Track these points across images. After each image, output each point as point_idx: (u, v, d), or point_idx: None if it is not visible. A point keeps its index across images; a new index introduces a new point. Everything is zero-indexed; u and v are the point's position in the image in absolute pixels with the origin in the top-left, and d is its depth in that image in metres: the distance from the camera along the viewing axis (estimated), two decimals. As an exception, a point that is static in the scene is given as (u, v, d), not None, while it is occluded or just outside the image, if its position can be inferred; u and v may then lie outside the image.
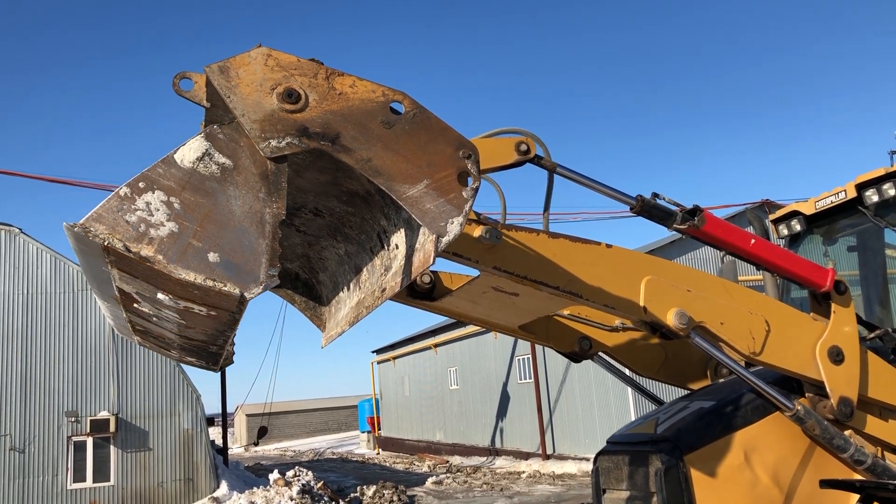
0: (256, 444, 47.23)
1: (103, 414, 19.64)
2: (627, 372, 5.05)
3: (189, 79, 2.57)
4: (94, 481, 19.43)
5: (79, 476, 19.37)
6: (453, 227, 2.53)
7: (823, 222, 5.42)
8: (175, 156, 2.34)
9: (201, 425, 20.49)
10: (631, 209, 3.76)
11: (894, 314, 5.28)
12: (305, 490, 17.32)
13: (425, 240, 2.58)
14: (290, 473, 18.61)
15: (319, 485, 17.97)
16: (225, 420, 23.10)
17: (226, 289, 2.34)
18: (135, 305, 2.54)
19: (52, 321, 19.89)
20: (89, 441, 19.57)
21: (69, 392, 19.66)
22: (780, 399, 3.68)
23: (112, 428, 19.48)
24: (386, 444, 39.52)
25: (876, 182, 4.84)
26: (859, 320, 4.30)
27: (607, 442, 4.58)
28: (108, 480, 19.47)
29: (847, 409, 3.80)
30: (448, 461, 28.62)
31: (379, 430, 40.89)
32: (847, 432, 3.79)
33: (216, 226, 2.38)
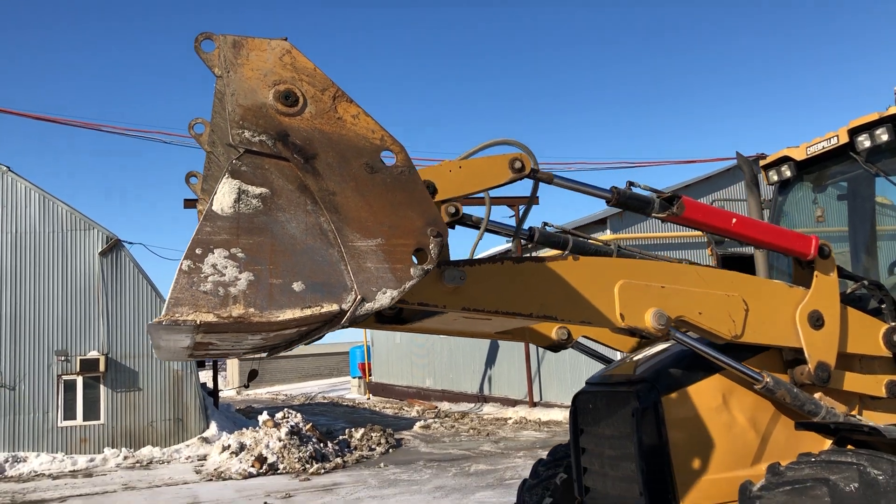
0: (247, 387, 47.74)
1: (93, 354, 19.73)
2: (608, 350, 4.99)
3: (213, 41, 2.45)
4: (85, 419, 19.61)
5: (69, 414, 19.55)
6: (382, 299, 2.41)
7: (814, 169, 5.35)
8: (213, 208, 2.29)
9: (191, 367, 20.62)
10: (607, 202, 3.70)
11: (880, 264, 5.25)
12: (294, 431, 17.49)
13: (347, 296, 2.41)
14: (279, 415, 18.77)
15: (308, 426, 18.15)
16: (215, 363, 23.24)
17: (324, 310, 2.32)
18: (210, 346, 2.47)
19: (42, 261, 19.82)
20: (79, 380, 19.69)
21: (59, 331, 19.71)
22: (749, 373, 3.68)
23: (102, 367, 19.59)
24: (376, 389, 39.92)
25: (869, 127, 4.75)
26: (843, 274, 4.26)
27: (586, 383, 4.57)
28: (99, 419, 19.65)
29: (824, 374, 3.79)
30: (437, 407, 28.96)
31: (370, 376, 41.28)
32: (817, 395, 3.79)
33: (286, 256, 2.34)
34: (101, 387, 19.83)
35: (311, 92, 2.37)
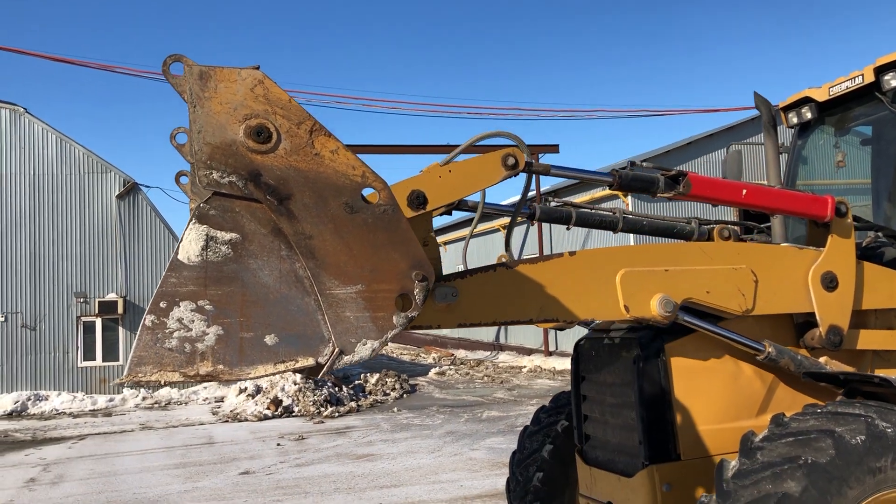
0: None
1: (111, 296, 19.92)
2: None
3: (182, 63, 2.26)
4: (104, 360, 19.92)
5: (89, 355, 19.85)
6: (362, 351, 2.27)
7: (837, 110, 5.09)
8: (179, 257, 2.16)
9: (208, 310, 20.72)
10: (609, 187, 3.51)
11: (904, 212, 5.02)
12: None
13: (324, 349, 2.29)
14: (294, 360, 18.94)
15: (323, 371, 18.31)
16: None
17: (298, 365, 2.22)
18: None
19: (59, 203, 19.90)
20: (98, 322, 19.94)
21: (77, 273, 19.89)
22: (750, 345, 3.51)
23: (120, 310, 19.78)
24: (394, 336, 40.18)
25: None
26: (863, 225, 4.05)
27: (589, 329, 4.44)
28: (118, 360, 19.94)
29: (836, 338, 3.61)
30: (453, 354, 29.11)
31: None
32: (822, 358, 3.63)
33: (258, 306, 2.21)
34: (120, 329, 20.07)
35: (286, 126, 2.19)
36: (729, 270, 3.48)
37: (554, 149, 24.50)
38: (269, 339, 2.21)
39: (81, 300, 19.78)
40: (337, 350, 2.25)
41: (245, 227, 2.22)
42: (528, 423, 5.13)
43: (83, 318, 19.87)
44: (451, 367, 24.50)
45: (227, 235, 2.21)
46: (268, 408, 16.31)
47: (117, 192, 20.09)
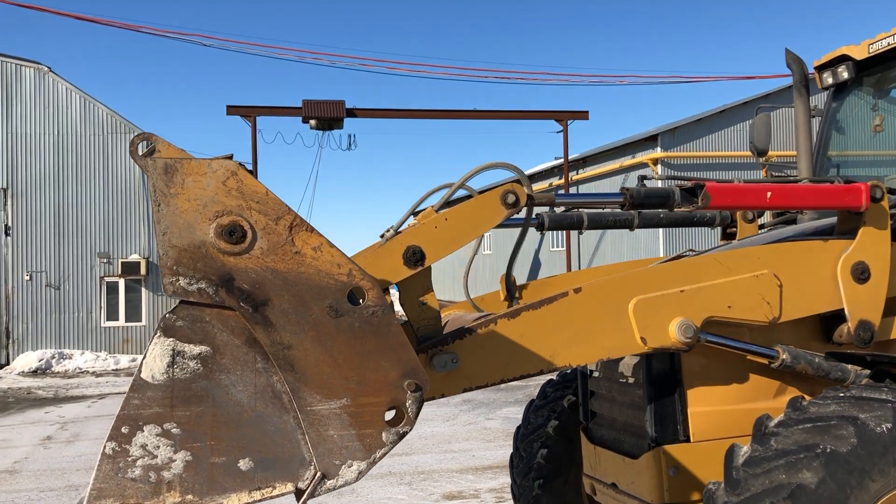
0: None
1: (134, 257, 20.01)
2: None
3: (151, 143, 2.05)
4: (127, 321, 20.08)
5: (112, 315, 20.02)
6: (347, 474, 2.07)
7: (876, 70, 4.70)
8: (142, 376, 1.96)
9: (231, 273, 20.76)
10: (621, 207, 3.19)
11: (946, 181, 4.65)
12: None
13: (304, 473, 2.07)
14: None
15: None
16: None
17: (276, 492, 2.03)
18: None
19: (84, 163, 19.95)
20: (121, 282, 20.06)
21: (101, 234, 19.98)
22: (762, 352, 3.21)
23: (143, 271, 19.87)
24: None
25: None
26: None
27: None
28: (140, 321, 20.09)
29: (867, 334, 3.27)
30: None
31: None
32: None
33: (230, 428, 2.02)
34: (143, 290, 20.18)
35: (263, 222, 1.98)
36: (750, 280, 3.16)
37: (583, 115, 23.99)
38: (244, 464, 2.03)
39: (105, 261, 19.89)
40: (319, 474, 2.06)
41: (216, 338, 2.02)
42: (535, 397, 4.90)
43: (106, 279, 20.00)
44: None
45: (197, 349, 2.00)
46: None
47: (141, 153, 20.00)
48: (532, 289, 4.20)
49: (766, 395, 3.40)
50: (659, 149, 21.05)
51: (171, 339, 1.98)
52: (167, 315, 1.99)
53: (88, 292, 19.91)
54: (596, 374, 3.95)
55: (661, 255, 18.53)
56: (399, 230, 3.60)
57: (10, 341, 19.42)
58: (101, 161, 20.02)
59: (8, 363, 19.17)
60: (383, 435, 2.12)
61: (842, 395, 2.84)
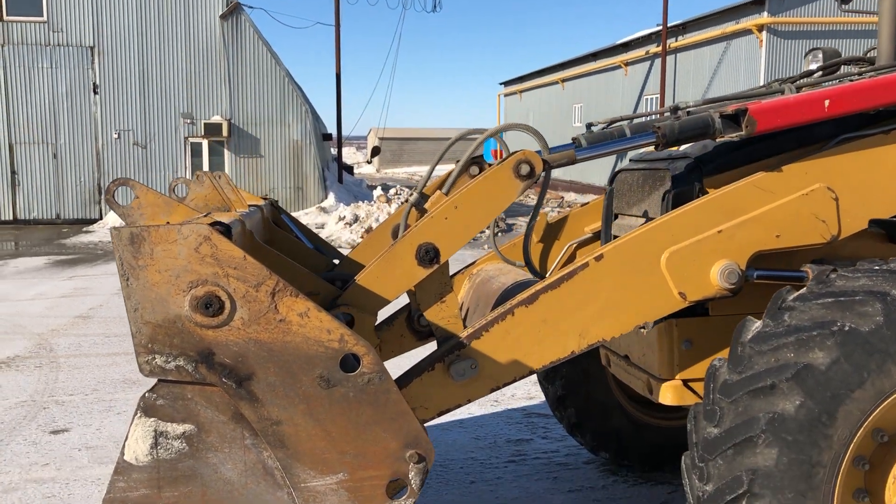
0: (370, 163, 48.88)
1: (216, 118, 20.23)
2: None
3: (130, 188, 1.95)
4: (211, 182, 20.53)
5: (197, 175, 20.50)
6: None
7: None
8: (126, 458, 1.90)
9: (310, 138, 20.81)
10: (656, 147, 2.80)
11: None
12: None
13: None
14: (392, 191, 18.90)
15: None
16: (340, 137, 23.36)
17: None
18: None
19: (165, 22, 19.97)
20: (204, 143, 20.42)
21: (184, 95, 20.22)
22: (790, 276, 2.71)
23: (225, 132, 20.11)
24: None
25: None
26: None
27: (630, 160, 3.75)
28: (224, 182, 20.52)
29: None
30: (562, 197, 28.42)
31: (502, 163, 41.02)
32: None
33: None
34: (226, 151, 20.52)
35: (242, 290, 1.84)
36: (799, 199, 2.68)
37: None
38: None
39: (188, 121, 20.20)
40: None
41: (200, 415, 1.94)
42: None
43: (190, 139, 20.38)
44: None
45: (180, 428, 1.93)
46: (361, 236, 16.47)
47: (221, 12, 19.84)
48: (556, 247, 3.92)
49: (797, 266, 2.96)
50: (766, 13, 19.33)
51: (153, 420, 1.90)
52: (146, 394, 1.91)
53: (174, 152, 20.40)
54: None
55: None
56: (423, 191, 3.31)
57: (103, 197, 20.26)
58: (182, 20, 19.98)
59: (101, 218, 20.11)
60: None
61: (876, 267, 2.39)
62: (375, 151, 28.81)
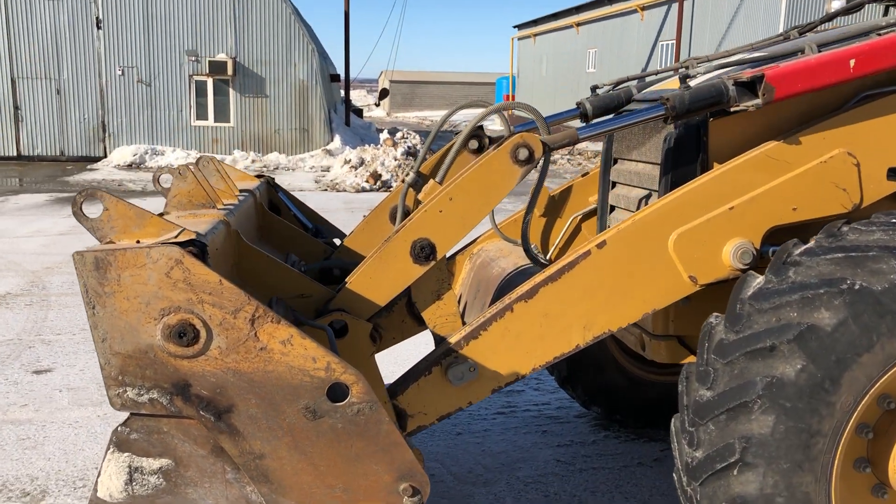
0: (378, 105, 48.30)
1: (221, 56, 19.86)
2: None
3: (100, 202, 1.85)
4: (216, 121, 20.30)
5: (201, 114, 20.26)
6: None
7: None
8: (100, 495, 1.81)
9: (316, 79, 20.42)
10: (665, 121, 2.56)
11: None
12: (410, 152, 17.37)
13: None
14: (398, 135, 18.59)
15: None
16: (347, 78, 22.95)
17: None
18: None
19: (170, -45, 19.43)
20: (209, 81, 20.11)
21: (188, 32, 19.82)
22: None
23: (230, 71, 19.76)
24: (517, 122, 39.30)
25: None
26: None
27: (633, 100, 3.51)
28: (229, 122, 20.27)
29: None
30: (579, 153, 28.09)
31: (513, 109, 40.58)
32: None
33: None
34: (231, 90, 20.20)
35: (219, 317, 1.73)
36: (816, 168, 2.47)
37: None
38: None
39: (193, 59, 19.83)
40: None
41: (177, 449, 1.83)
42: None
43: (195, 77, 20.05)
44: (567, 155, 23.55)
45: (156, 463, 1.83)
46: (367, 181, 16.22)
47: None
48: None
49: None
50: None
51: (127, 455, 1.81)
52: (119, 428, 1.81)
53: (178, 90, 20.08)
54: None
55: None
56: (419, 170, 3.15)
57: (107, 135, 20.06)
58: (188, -46, 19.47)
59: (105, 156, 19.93)
60: None
61: (894, 220, 2.19)
62: (384, 94, 28.36)
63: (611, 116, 2.68)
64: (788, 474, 2.04)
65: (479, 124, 3.05)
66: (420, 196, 3.11)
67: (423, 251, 2.44)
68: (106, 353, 1.74)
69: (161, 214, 2.57)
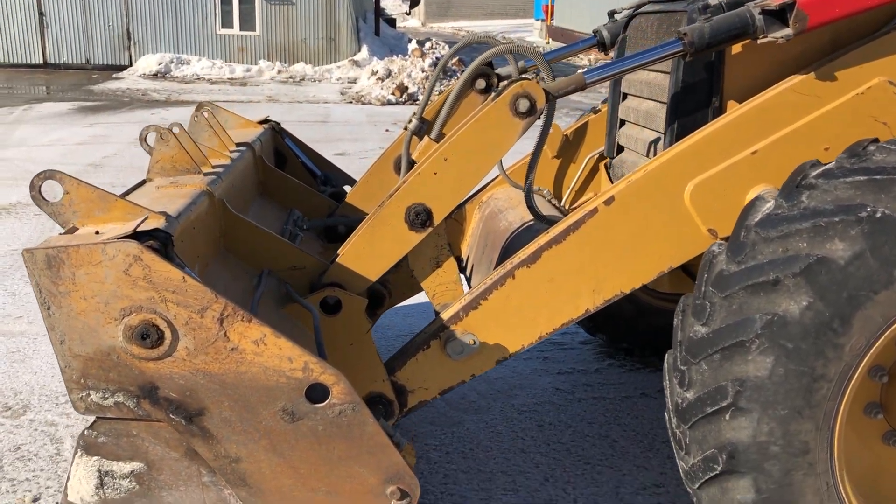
0: (409, 14, 47.12)
1: (246, -39, 19.27)
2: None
3: (59, 184, 1.73)
4: (241, 29, 19.87)
5: (227, 22, 19.81)
6: None
7: None
8: (70, 499, 1.74)
9: (344, -14, 19.79)
10: (684, 58, 2.26)
11: None
12: (438, 64, 16.85)
13: None
14: (427, 45, 18.04)
15: (454, 61, 17.32)
16: (377, -15, 22.23)
17: None
18: None
19: None
20: (234, -12, 19.58)
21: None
22: None
23: (255, -24, 19.19)
24: (556, 34, 38.04)
25: None
26: None
27: (649, 2, 3.19)
28: (254, 30, 19.84)
29: None
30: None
31: (552, 19, 39.34)
32: None
33: None
34: (256, -1, 19.67)
35: (184, 316, 1.62)
36: (853, 101, 2.19)
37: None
38: None
39: (217, -36, 19.28)
40: None
41: (149, 452, 1.74)
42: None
43: (220, -17, 19.55)
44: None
45: (128, 466, 1.74)
46: (392, 93, 15.84)
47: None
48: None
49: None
50: None
51: (96, 458, 1.72)
52: (86, 431, 1.73)
53: (203, -1, 19.61)
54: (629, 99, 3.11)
55: None
56: (422, 116, 2.96)
57: (132, 43, 19.77)
58: None
59: (131, 64, 19.69)
60: None
61: None
62: (415, 2, 27.45)
63: (621, 59, 2.39)
64: (786, 421, 1.84)
65: (482, 64, 2.85)
66: (415, 155, 2.87)
67: (419, 217, 2.30)
68: (66, 355, 1.65)
69: (142, 182, 2.39)
